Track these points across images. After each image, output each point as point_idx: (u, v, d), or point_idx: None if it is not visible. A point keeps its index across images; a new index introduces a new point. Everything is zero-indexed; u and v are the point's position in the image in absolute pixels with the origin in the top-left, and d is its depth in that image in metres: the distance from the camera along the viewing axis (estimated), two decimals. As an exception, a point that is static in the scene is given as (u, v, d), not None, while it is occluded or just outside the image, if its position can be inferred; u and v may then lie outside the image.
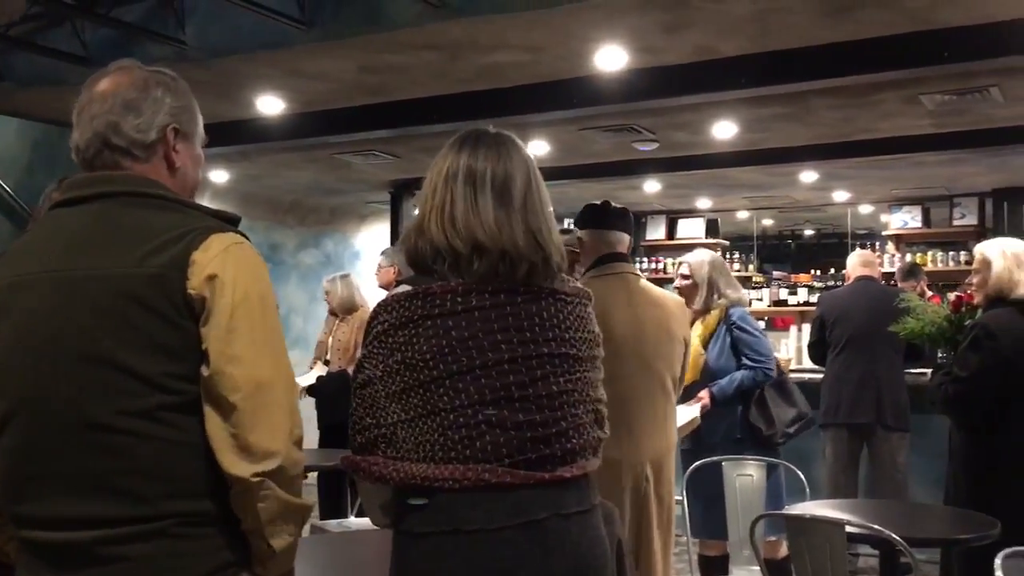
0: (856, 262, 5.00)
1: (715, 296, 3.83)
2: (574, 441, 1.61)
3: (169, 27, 4.40)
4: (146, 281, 1.40)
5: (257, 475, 1.39)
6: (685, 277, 3.90)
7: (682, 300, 3.32)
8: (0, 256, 1.56)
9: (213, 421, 1.40)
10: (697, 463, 3.47)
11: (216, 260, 1.42)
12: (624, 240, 3.02)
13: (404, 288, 1.67)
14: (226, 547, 1.44)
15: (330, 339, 5.79)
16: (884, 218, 9.37)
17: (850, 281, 4.98)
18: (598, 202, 3.10)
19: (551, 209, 1.72)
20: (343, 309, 5.72)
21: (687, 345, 3.06)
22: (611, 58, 4.39)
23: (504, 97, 5.03)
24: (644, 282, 3.04)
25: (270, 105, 5.26)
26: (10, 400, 1.44)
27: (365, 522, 2.78)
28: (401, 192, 8.09)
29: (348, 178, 7.72)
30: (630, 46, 4.26)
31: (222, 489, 1.42)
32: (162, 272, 1.40)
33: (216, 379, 1.39)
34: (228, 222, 1.52)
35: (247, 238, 1.51)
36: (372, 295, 6.06)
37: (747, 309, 3.99)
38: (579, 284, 1.77)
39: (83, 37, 4.60)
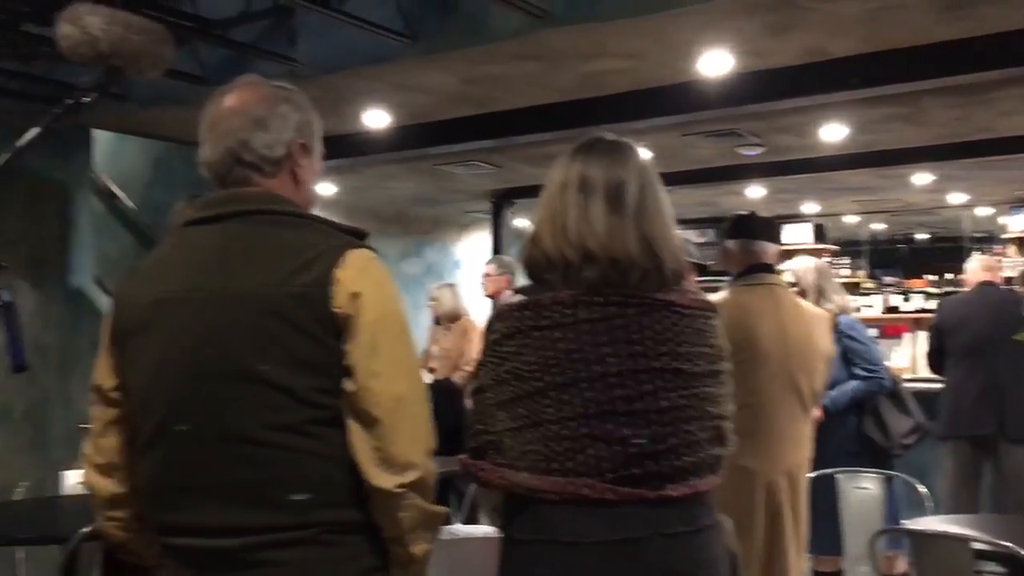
0: (977, 267, 4.80)
1: (822, 303, 3.74)
2: (685, 459, 1.58)
3: (281, 46, 4.55)
4: (291, 299, 1.45)
5: (400, 486, 1.44)
6: (791, 284, 3.82)
7: (827, 313, 3.26)
8: (134, 272, 1.63)
9: (357, 435, 1.45)
10: (811, 476, 3.38)
11: (357, 278, 1.47)
12: (771, 250, 3.00)
13: (517, 298, 1.68)
14: (369, 553, 1.49)
15: (434, 347, 5.87)
16: (1003, 220, 8.96)
17: (971, 287, 4.78)
18: (745, 212, 3.11)
19: (671, 216, 1.68)
20: (448, 318, 5.80)
21: (828, 359, 3.01)
22: (715, 62, 4.33)
23: (605, 105, 5.01)
24: (791, 293, 3.02)
25: (376, 119, 5.38)
26: (158, 414, 1.50)
27: (470, 529, 2.81)
28: (501, 202, 8.15)
29: (450, 188, 7.83)
30: (735, 49, 4.19)
31: (364, 498, 1.47)
32: (307, 291, 1.45)
33: (361, 394, 1.44)
34: (358, 237, 1.56)
35: (376, 252, 1.55)
36: (474, 305, 6.14)
37: (855, 316, 3.88)
38: (702, 296, 1.74)
39: (201, 58, 4.78)
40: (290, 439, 1.44)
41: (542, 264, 1.66)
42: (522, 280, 1.75)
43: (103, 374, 1.59)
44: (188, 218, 1.59)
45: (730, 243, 3.02)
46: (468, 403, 1.73)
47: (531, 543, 1.57)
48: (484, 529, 2.16)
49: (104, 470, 1.59)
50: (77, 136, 5.66)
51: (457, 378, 5.54)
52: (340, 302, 1.45)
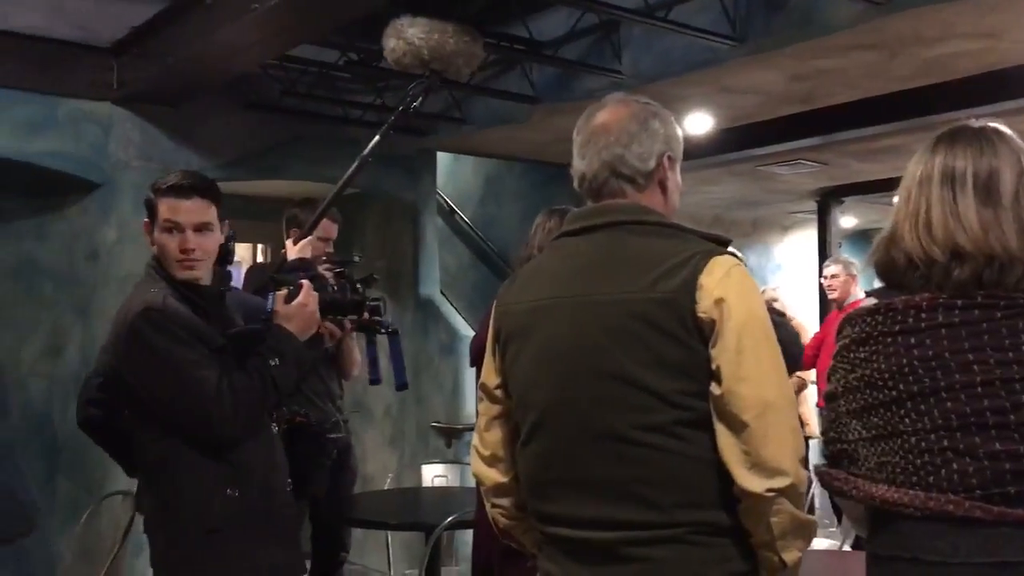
0: None
1: None
2: None
3: (606, 59, 4.69)
4: (658, 304, 1.51)
5: (770, 490, 1.45)
6: None
7: None
8: (513, 280, 1.77)
9: (725, 438, 1.48)
10: None
11: (721, 284, 1.50)
12: None
13: (870, 301, 1.61)
14: (738, 557, 1.51)
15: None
16: None
17: None
18: None
19: None
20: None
21: None
22: (1087, 33, 3.85)
23: (949, 91, 4.63)
24: None
25: (698, 123, 5.37)
26: (537, 411, 1.62)
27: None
28: (828, 201, 7.78)
29: (771, 189, 7.61)
30: (1113, 16, 3.71)
31: (731, 502, 1.49)
32: (673, 296, 1.51)
33: (728, 398, 1.47)
34: (721, 244, 1.59)
35: (741, 259, 1.57)
36: (799, 307, 5.93)
37: None
38: None
39: (531, 78, 5.06)
40: (659, 439, 1.49)
41: (901, 265, 1.56)
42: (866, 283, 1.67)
43: (488, 373, 1.74)
44: (562, 230, 1.70)
45: None
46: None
47: (893, 560, 1.49)
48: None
49: (489, 461, 1.75)
50: (424, 159, 6.20)
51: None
52: (705, 307, 1.49)
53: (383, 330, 2.74)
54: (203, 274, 2.34)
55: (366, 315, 2.68)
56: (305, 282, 2.40)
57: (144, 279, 2.35)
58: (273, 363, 2.25)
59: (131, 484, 2.48)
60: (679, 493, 1.50)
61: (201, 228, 2.29)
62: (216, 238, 2.34)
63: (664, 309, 1.50)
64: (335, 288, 2.61)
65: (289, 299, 2.35)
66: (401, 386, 2.75)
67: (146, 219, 2.34)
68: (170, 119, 4.97)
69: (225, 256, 2.42)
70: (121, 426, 2.36)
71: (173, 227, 2.27)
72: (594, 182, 1.66)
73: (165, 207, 2.28)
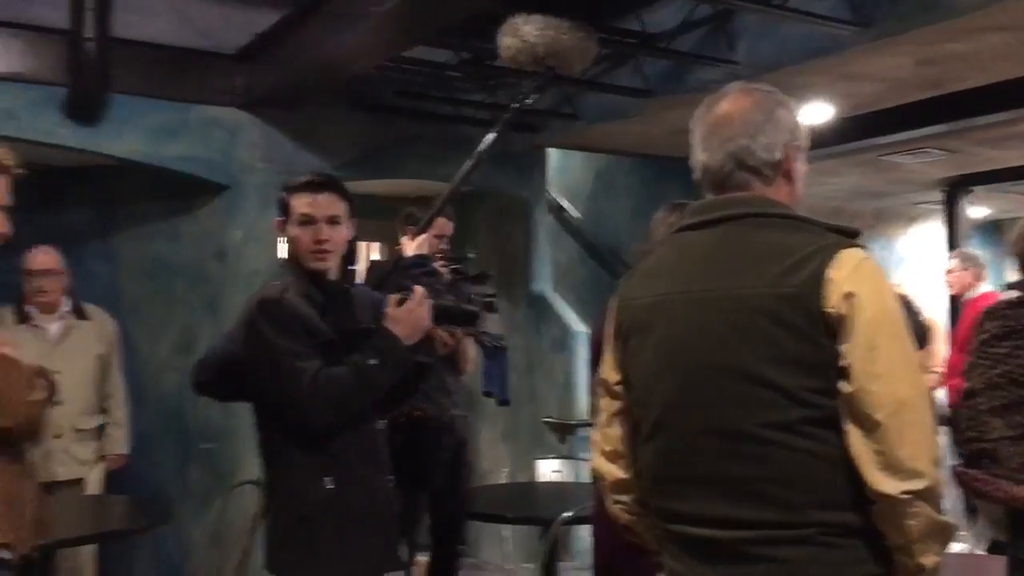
0: None
1: None
2: None
3: (721, 50, 4.60)
4: (783, 299, 1.47)
5: (905, 493, 1.39)
6: None
7: None
8: (633, 275, 1.76)
9: (856, 437, 1.43)
10: None
11: (851, 277, 1.45)
12: None
13: (1012, 294, 1.54)
14: (871, 560, 1.46)
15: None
16: None
17: None
18: None
19: None
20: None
21: None
22: None
23: (1089, 72, 4.37)
24: None
25: (817, 112, 5.21)
26: (658, 408, 1.60)
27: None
28: (956, 190, 7.43)
29: (895, 179, 7.32)
30: None
31: (862, 502, 1.44)
32: (799, 291, 1.46)
33: (859, 396, 1.42)
34: (849, 236, 1.54)
35: (868, 250, 1.52)
36: (928, 302, 5.69)
37: None
38: None
39: (644, 71, 5.01)
40: (784, 437, 1.45)
41: None
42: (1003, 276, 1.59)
43: (608, 369, 1.73)
44: (682, 223, 1.67)
45: None
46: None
47: None
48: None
49: (610, 456, 1.74)
50: (535, 156, 6.22)
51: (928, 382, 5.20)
52: (833, 302, 1.44)
53: (489, 344, 2.82)
54: (333, 266, 2.46)
55: (479, 331, 2.76)
56: (419, 288, 2.46)
57: (277, 275, 2.50)
58: (372, 362, 2.33)
59: (261, 474, 2.59)
60: (808, 492, 1.45)
61: (332, 221, 2.44)
62: (345, 233, 2.48)
63: (790, 304, 1.46)
64: (453, 298, 2.68)
65: (401, 303, 2.43)
66: (504, 402, 2.81)
67: (279, 218, 2.49)
68: (291, 122, 5.14)
69: (350, 254, 2.53)
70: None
71: (308, 220, 2.42)
72: (719, 174, 1.63)
73: (301, 202, 2.43)
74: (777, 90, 1.68)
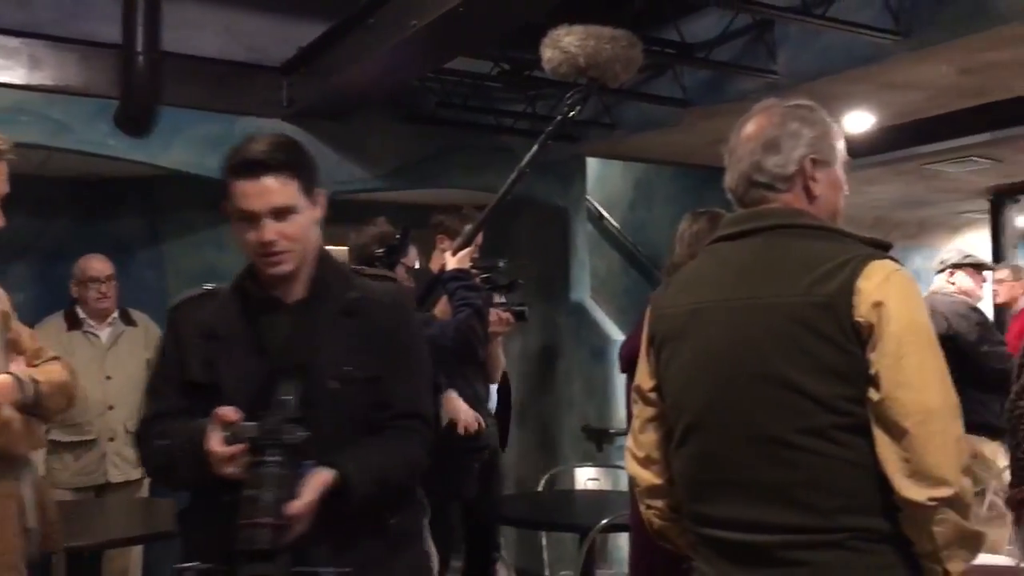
0: None
1: None
2: None
3: (760, 60, 4.60)
4: (815, 308, 1.50)
5: (932, 499, 1.41)
6: None
7: None
8: (668, 285, 1.80)
9: (885, 445, 1.45)
10: None
11: (880, 288, 1.48)
12: None
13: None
14: (900, 565, 1.48)
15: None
16: None
17: None
18: None
19: None
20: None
21: None
22: None
23: None
24: None
25: (858, 121, 5.18)
26: (693, 413, 1.64)
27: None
28: (1003, 199, 7.34)
29: (939, 188, 7.24)
30: None
31: (892, 509, 1.47)
32: (830, 300, 1.49)
33: (888, 404, 1.44)
34: (881, 248, 1.56)
35: (900, 263, 1.54)
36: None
37: None
38: None
39: (683, 81, 5.02)
40: (817, 443, 1.48)
41: None
42: None
43: (642, 376, 1.77)
44: (718, 235, 1.71)
45: None
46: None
47: None
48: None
49: (644, 462, 1.77)
50: (574, 165, 6.26)
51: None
52: (863, 311, 1.47)
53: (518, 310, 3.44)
54: (293, 267, 1.95)
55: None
56: None
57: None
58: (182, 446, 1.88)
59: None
60: (840, 498, 1.48)
61: (280, 213, 1.90)
62: (304, 219, 1.94)
63: (822, 313, 1.49)
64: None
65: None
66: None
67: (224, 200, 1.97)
68: (334, 133, 5.22)
69: (398, 247, 2.59)
70: None
71: (246, 216, 1.90)
72: (737, 191, 1.70)
73: (236, 191, 1.90)
74: (809, 103, 1.71)
